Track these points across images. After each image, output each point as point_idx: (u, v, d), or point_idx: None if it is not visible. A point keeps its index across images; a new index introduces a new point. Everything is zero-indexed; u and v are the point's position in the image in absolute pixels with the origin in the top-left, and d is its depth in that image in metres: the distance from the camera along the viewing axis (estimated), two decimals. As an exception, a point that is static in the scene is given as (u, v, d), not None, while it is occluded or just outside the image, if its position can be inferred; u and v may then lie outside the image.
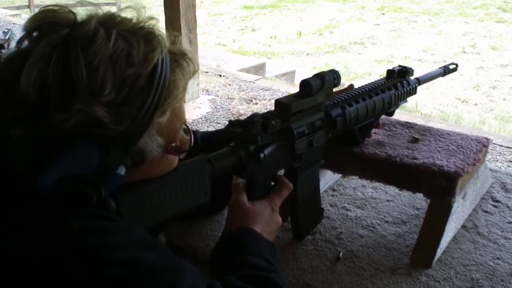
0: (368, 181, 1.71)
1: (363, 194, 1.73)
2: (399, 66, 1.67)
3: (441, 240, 1.41)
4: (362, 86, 1.57)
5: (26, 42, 0.92)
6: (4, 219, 0.85)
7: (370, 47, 9.16)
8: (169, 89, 0.95)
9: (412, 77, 1.69)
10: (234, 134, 1.29)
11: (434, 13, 10.37)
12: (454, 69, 1.84)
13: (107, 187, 0.91)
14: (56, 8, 0.93)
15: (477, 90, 7.19)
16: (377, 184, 1.76)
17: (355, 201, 1.69)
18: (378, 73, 7.77)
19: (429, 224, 1.43)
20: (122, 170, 0.94)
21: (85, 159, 0.87)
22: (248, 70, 5.56)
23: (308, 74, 7.10)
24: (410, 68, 1.66)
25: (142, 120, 0.90)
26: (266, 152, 1.27)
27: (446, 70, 1.80)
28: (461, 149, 1.52)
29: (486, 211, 1.62)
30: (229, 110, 4.10)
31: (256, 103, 4.44)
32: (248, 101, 4.52)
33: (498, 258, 1.42)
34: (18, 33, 5.73)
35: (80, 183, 0.87)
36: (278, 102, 1.35)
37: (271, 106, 3.97)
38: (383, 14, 10.55)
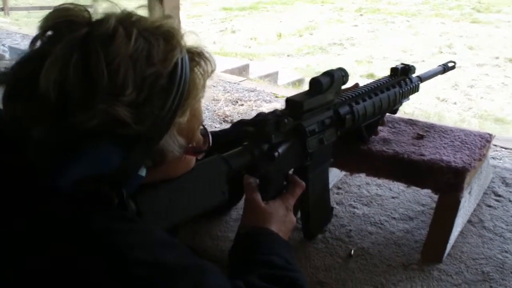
0: (372, 178, 1.74)
1: (368, 191, 1.74)
2: (402, 64, 1.69)
3: (450, 235, 1.43)
4: (367, 84, 1.59)
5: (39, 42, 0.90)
6: (23, 218, 0.84)
7: (349, 48, 9.22)
8: (189, 88, 0.94)
9: (413, 75, 1.71)
10: (247, 133, 1.28)
11: (411, 14, 10.49)
12: (453, 67, 1.86)
13: (128, 187, 0.90)
14: (71, 6, 0.91)
15: (456, 89, 7.28)
16: (380, 181, 1.78)
17: (361, 199, 1.70)
18: (358, 74, 7.82)
19: (438, 219, 1.44)
20: (143, 171, 0.93)
21: (106, 159, 0.86)
22: (232, 72, 5.55)
23: (291, 75, 7.14)
24: (413, 66, 1.68)
25: (164, 120, 0.89)
26: (279, 150, 1.27)
27: (445, 68, 1.83)
28: (466, 145, 1.54)
29: (489, 206, 1.65)
30: (215, 111, 4.08)
31: (242, 104, 4.41)
32: (233, 103, 4.50)
33: (506, 252, 1.44)
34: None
35: (101, 183, 0.85)
36: (290, 100, 1.35)
37: (256, 108, 3.97)
38: (361, 15, 10.64)
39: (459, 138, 1.59)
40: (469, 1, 10.63)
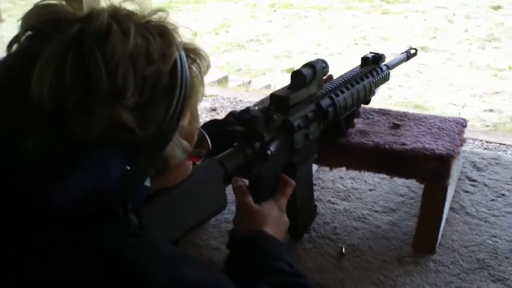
0: (345, 172, 1.69)
1: (343, 185, 1.69)
2: (371, 53, 1.65)
3: (441, 224, 1.40)
4: (341, 75, 1.53)
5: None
6: (14, 243, 0.72)
7: (266, 44, 9.25)
8: (190, 87, 0.86)
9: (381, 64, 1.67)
10: (236, 133, 1.20)
11: (323, 8, 10.67)
12: (415, 54, 1.85)
13: (133, 201, 0.81)
14: (56, 2, 0.81)
15: (374, 79, 7.46)
16: (354, 174, 1.73)
17: (338, 194, 1.64)
18: (278, 69, 7.85)
19: (427, 209, 1.41)
20: (148, 181, 0.84)
21: (109, 170, 0.77)
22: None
23: (213, 73, 7.05)
24: (383, 55, 1.65)
25: (170, 123, 0.81)
26: (271, 148, 1.19)
27: (408, 55, 1.81)
28: (444, 131, 1.52)
29: (467, 191, 1.64)
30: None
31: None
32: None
33: (495, 236, 1.43)
34: None
35: (104, 197, 0.76)
36: (275, 96, 1.27)
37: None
38: (274, 11, 10.71)
39: (435, 125, 1.57)
40: (378, -7, 10.94)
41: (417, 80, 7.30)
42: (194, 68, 0.90)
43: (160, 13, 0.86)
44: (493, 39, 9.23)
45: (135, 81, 0.76)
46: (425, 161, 1.39)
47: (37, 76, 0.71)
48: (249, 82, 6.97)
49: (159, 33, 0.82)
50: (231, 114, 1.50)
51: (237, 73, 7.54)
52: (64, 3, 0.81)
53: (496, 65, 8.02)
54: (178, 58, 0.83)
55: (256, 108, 1.27)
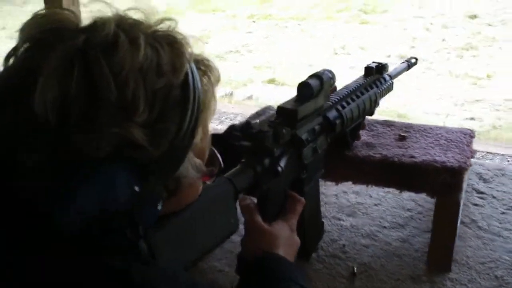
0: (348, 186, 1.62)
1: (347, 200, 1.62)
2: (374, 62, 1.59)
3: (455, 240, 1.34)
4: (346, 86, 1.47)
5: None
6: (15, 243, 0.67)
7: (247, 55, 9.18)
8: (203, 101, 0.79)
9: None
10: (243, 149, 1.13)
11: (302, 18, 10.64)
12: (415, 63, 1.80)
13: (144, 225, 0.74)
14: (58, 10, 0.74)
15: (356, 90, 7.46)
16: (357, 188, 1.66)
17: (343, 209, 1.58)
18: (259, 80, 7.79)
19: (440, 224, 1.35)
20: (160, 204, 0.76)
21: (118, 191, 0.70)
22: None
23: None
24: (386, 64, 1.59)
25: (183, 139, 0.74)
26: (281, 164, 1.12)
27: (409, 64, 1.76)
28: (452, 143, 1.46)
29: (476, 204, 1.58)
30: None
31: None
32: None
33: (511, 252, 1.37)
34: None
35: (111, 220, 0.69)
36: (282, 109, 1.20)
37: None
38: (254, 22, 10.63)
39: (442, 136, 1.51)
40: (356, 3, 10.97)
41: (398, 89, 7.31)
42: (205, 81, 0.83)
43: (168, 22, 0.79)
44: (470, 47, 9.31)
45: (145, 96, 0.69)
46: (436, 174, 1.33)
47: (39, 89, 0.64)
48: (231, 94, 6.91)
49: (168, 44, 0.75)
50: (233, 128, 1.43)
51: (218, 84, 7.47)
52: (65, 12, 0.74)
53: (474, 73, 8.08)
54: (189, 70, 0.76)
55: (258, 121, 1.20)
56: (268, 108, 1.91)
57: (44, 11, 0.74)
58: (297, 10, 11.31)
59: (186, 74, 0.75)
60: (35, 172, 0.66)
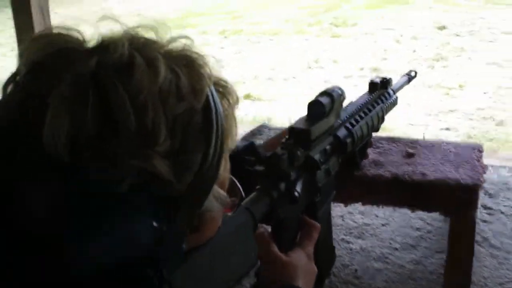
0: (354, 206, 1.57)
1: (354, 221, 1.57)
2: (378, 77, 1.54)
3: (473, 261, 1.29)
4: (352, 102, 1.41)
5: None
6: (14, 268, 0.61)
7: (220, 70, 9.17)
8: (225, 126, 0.72)
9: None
10: (258, 173, 1.06)
11: (274, 33, 10.67)
12: (415, 76, 1.76)
13: (168, 266, 0.67)
14: (63, 31, 0.66)
15: (330, 103, 7.45)
16: (363, 208, 1.61)
17: (351, 231, 1.52)
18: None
19: (455, 245, 1.29)
20: (184, 243, 0.69)
21: (139, 232, 0.62)
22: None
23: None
24: (390, 78, 1.54)
25: (209, 170, 0.66)
26: (298, 189, 1.06)
27: (410, 78, 1.71)
28: (462, 158, 1.42)
29: (485, 221, 1.54)
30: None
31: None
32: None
33: (528, 270, 1.33)
34: None
35: (133, 266, 0.62)
36: (295, 129, 1.13)
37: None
38: (225, 37, 10.63)
39: (450, 152, 1.46)
40: (326, 17, 11.06)
41: (374, 101, 7.35)
42: (225, 105, 0.76)
43: (183, 41, 0.72)
44: (441, 58, 9.43)
45: (166, 122, 0.62)
46: (450, 191, 1.29)
47: (50, 122, 0.56)
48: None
49: (185, 65, 0.68)
50: (237, 151, 1.36)
51: (192, 100, 7.42)
52: (70, 31, 0.66)
53: (446, 84, 8.17)
54: (209, 93, 0.69)
55: (262, 142, 1.14)
56: (263, 126, 1.85)
57: (45, 33, 0.66)
58: (269, 25, 11.35)
59: (207, 98, 0.68)
60: (44, 211, 0.59)
